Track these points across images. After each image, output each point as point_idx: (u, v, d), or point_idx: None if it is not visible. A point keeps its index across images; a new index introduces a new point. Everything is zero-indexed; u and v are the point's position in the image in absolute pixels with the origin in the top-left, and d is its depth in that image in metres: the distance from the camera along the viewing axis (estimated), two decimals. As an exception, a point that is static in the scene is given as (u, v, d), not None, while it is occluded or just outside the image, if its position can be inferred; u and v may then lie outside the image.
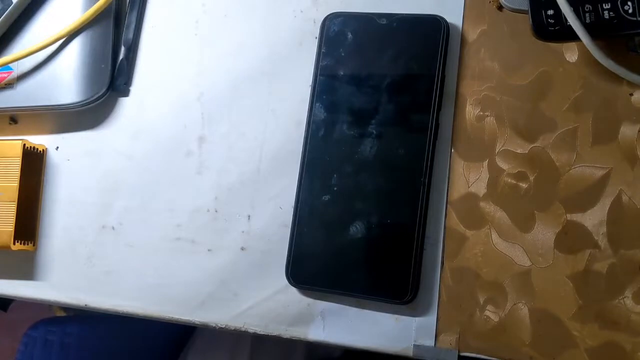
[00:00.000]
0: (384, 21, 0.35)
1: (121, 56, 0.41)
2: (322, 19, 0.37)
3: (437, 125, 0.34)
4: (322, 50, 0.36)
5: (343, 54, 0.36)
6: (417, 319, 0.34)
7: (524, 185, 0.33)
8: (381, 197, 0.34)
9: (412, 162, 0.33)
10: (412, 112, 0.34)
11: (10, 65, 0.41)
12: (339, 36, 0.36)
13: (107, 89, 0.40)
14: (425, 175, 0.33)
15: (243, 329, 0.36)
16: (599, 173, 0.32)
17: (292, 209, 0.35)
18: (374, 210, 0.34)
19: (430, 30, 0.34)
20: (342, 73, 0.35)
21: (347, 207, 0.34)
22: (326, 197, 0.34)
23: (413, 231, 0.33)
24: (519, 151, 0.34)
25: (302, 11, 0.39)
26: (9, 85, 0.41)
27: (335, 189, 0.34)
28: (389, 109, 0.34)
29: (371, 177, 0.34)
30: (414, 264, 0.33)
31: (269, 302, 0.36)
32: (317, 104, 0.35)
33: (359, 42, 0.35)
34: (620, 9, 0.29)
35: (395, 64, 0.34)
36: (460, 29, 0.35)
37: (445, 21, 0.34)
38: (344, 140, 0.35)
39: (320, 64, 0.36)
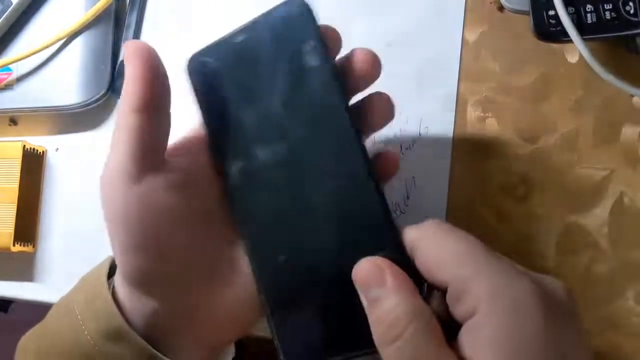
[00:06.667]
0: (243, 36, 0.29)
1: (121, 57, 0.41)
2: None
3: (351, 116, 0.27)
4: (199, 98, 0.30)
5: (225, 93, 0.29)
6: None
7: (524, 186, 0.33)
8: (341, 229, 0.26)
9: (350, 168, 0.27)
10: (324, 118, 0.27)
11: (9, 66, 0.41)
12: (210, 74, 0.30)
13: (107, 90, 0.40)
14: (369, 176, 0.26)
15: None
16: (600, 174, 0.32)
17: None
18: (342, 250, 0.26)
19: (293, 20, 0.28)
20: (232, 113, 0.29)
21: (313, 259, 0.27)
22: (283, 259, 0.27)
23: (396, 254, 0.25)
24: (520, 152, 0.34)
25: (302, 12, 0.38)
26: (8, 86, 0.41)
27: (290, 246, 0.27)
28: (300, 131, 0.28)
29: (318, 207, 0.27)
30: None
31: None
32: (227, 164, 0.29)
33: (234, 70, 0.29)
34: (622, 9, 0.29)
35: (278, 75, 0.28)
36: (461, 30, 0.35)
37: (302, 1, 0.28)
38: (274, 187, 0.28)
39: (204, 115, 0.29)
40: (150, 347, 0.26)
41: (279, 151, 0.28)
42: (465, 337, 0.21)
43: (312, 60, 0.28)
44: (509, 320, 0.21)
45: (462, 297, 0.22)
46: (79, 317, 0.27)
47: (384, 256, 0.24)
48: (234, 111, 0.29)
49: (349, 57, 0.28)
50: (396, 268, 0.23)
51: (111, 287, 0.28)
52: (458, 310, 0.22)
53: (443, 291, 0.23)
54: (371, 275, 0.23)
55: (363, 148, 0.26)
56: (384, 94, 0.29)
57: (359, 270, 0.24)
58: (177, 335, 0.27)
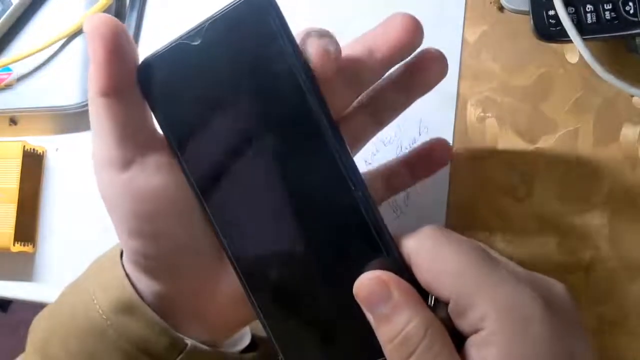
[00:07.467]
0: (201, 38, 0.26)
1: (121, 57, 0.41)
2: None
3: (332, 120, 0.25)
4: (155, 109, 0.26)
5: (186, 104, 0.26)
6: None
7: (525, 186, 0.33)
8: (333, 243, 0.25)
9: (334, 177, 0.25)
10: (301, 126, 0.25)
11: (9, 66, 0.41)
12: (165, 82, 0.26)
13: (107, 90, 0.40)
14: (356, 188, 0.24)
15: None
16: (600, 174, 0.32)
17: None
18: (336, 265, 0.25)
19: (257, 18, 0.25)
20: (197, 126, 0.26)
21: (306, 276, 0.26)
22: (276, 278, 0.26)
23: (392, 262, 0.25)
24: (520, 152, 0.34)
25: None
26: (8, 86, 0.41)
27: (280, 263, 0.26)
28: (278, 142, 0.25)
29: (303, 221, 0.25)
30: None
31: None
32: (198, 182, 0.26)
33: (194, 77, 0.26)
34: (621, 9, 0.29)
35: (245, 81, 0.25)
36: (461, 30, 0.35)
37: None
38: (254, 203, 0.26)
39: (163, 128, 0.26)
40: (162, 321, 0.26)
41: (255, 164, 0.26)
42: (474, 353, 0.21)
43: (282, 62, 0.25)
44: (518, 339, 0.21)
45: (466, 312, 0.21)
46: (89, 290, 0.27)
47: (383, 268, 0.24)
48: (200, 123, 0.26)
49: (386, 25, 0.26)
50: (401, 281, 0.23)
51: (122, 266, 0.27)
52: (461, 324, 0.22)
53: (445, 303, 0.23)
54: (375, 291, 0.23)
55: (347, 153, 0.25)
56: (434, 50, 0.27)
57: (361, 287, 0.23)
58: (183, 318, 0.27)
